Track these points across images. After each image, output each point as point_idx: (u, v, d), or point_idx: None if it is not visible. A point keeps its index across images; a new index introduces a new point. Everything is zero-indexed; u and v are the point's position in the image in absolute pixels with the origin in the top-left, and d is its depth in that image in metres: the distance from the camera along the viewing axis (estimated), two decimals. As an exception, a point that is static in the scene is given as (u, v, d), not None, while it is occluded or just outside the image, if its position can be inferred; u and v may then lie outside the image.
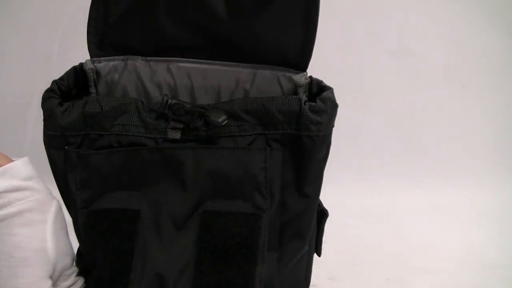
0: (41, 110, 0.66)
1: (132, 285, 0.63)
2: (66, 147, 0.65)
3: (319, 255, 0.76)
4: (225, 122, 0.63)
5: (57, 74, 0.67)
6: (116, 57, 0.71)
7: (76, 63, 0.70)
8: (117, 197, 0.65)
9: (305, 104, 0.63)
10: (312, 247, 0.74)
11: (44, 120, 0.65)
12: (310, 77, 0.70)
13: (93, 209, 0.66)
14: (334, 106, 0.64)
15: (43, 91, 0.64)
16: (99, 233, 0.65)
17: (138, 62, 0.72)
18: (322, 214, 0.73)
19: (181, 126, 0.64)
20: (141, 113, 0.64)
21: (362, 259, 1.02)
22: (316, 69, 0.70)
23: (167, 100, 0.63)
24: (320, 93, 0.65)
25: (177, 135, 0.64)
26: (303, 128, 0.63)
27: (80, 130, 0.64)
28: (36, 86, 0.65)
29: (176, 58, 0.71)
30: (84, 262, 0.68)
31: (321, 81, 0.68)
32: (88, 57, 0.72)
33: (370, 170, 1.36)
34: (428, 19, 1.28)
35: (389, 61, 1.30)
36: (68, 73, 0.70)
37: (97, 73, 0.71)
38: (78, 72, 0.71)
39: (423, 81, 1.33)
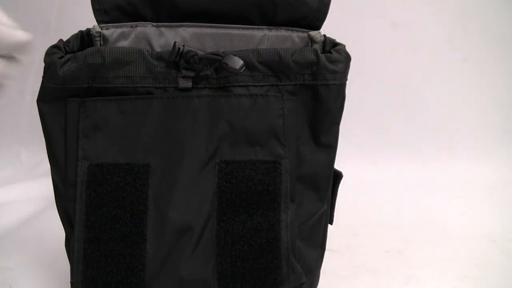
0: (39, 79, 0.66)
1: (149, 243, 0.65)
2: (68, 98, 0.66)
3: (330, 222, 0.77)
4: (243, 69, 0.65)
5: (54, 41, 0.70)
6: (124, 23, 0.75)
7: (75, 28, 0.74)
8: (124, 150, 0.66)
9: (321, 54, 0.67)
10: (328, 210, 0.74)
11: (44, 72, 0.66)
12: (324, 35, 0.75)
13: (96, 163, 0.66)
14: (348, 57, 0.68)
15: (41, 59, 0.66)
16: (105, 193, 0.65)
17: (148, 28, 0.76)
18: (336, 176, 0.74)
19: (193, 74, 0.66)
20: (148, 62, 0.66)
21: (361, 231, 1.06)
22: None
23: (179, 48, 0.65)
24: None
25: (188, 84, 0.66)
26: (319, 77, 0.66)
27: (81, 83, 0.65)
28: (34, 55, 0.67)
29: (187, 23, 0.76)
30: (83, 231, 0.66)
31: (334, 39, 0.73)
32: (89, 24, 0.75)
33: (370, 143, 1.40)
34: None
35: (389, 33, 1.36)
36: (74, 36, 0.72)
37: (104, 39, 0.74)
38: (84, 36, 0.74)
39: (424, 54, 1.38)
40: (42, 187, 1.13)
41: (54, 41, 0.69)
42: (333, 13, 0.75)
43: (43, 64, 0.65)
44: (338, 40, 0.72)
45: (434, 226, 1.10)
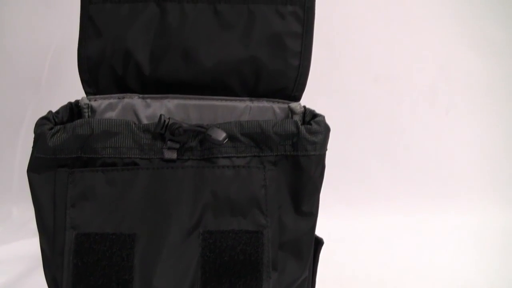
0: (30, 136, 0.71)
1: None
2: (58, 168, 0.71)
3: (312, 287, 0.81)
4: (226, 140, 0.70)
5: (46, 100, 0.75)
6: (112, 95, 0.80)
7: (65, 90, 0.79)
8: (111, 219, 0.70)
9: (301, 126, 0.72)
10: (310, 276, 0.78)
11: (34, 143, 0.71)
12: (304, 106, 0.80)
13: (83, 232, 0.70)
14: (327, 129, 0.73)
15: (32, 117, 0.71)
16: (91, 263, 0.69)
17: (135, 100, 0.81)
18: (317, 242, 0.78)
19: (178, 146, 0.71)
20: (135, 134, 0.71)
21: (347, 285, 1.09)
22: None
23: (164, 120, 0.70)
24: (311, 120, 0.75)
25: (173, 155, 0.71)
26: (300, 148, 0.71)
27: (71, 153, 0.70)
28: (26, 112, 0.72)
29: (172, 95, 0.81)
30: None
31: (313, 110, 0.78)
32: (77, 83, 0.80)
33: (356, 195, 1.43)
34: (410, 43, 1.40)
35: (373, 86, 1.41)
36: (63, 108, 0.77)
37: (92, 110, 0.80)
38: (73, 108, 0.79)
39: (407, 106, 1.43)
40: (33, 246, 1.16)
41: (45, 97, 0.74)
42: (317, 68, 0.81)
43: (33, 123, 0.70)
44: (321, 93, 0.78)
45: (420, 277, 1.14)
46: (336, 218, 1.09)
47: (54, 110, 0.77)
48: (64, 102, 0.80)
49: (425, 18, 1.39)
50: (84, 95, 0.82)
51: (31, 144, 0.71)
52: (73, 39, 0.81)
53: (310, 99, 0.83)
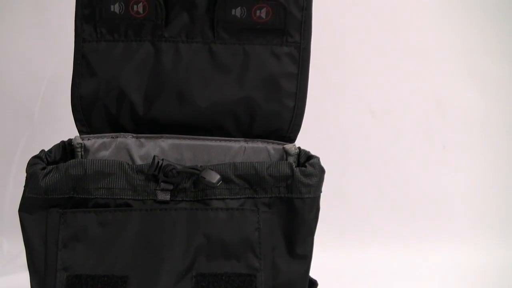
0: (22, 168, 0.73)
1: None
2: (49, 208, 0.72)
3: None
4: (220, 183, 0.72)
5: (39, 132, 0.75)
6: (105, 134, 0.82)
7: (58, 123, 0.81)
8: (103, 261, 0.71)
9: (296, 168, 0.74)
10: None
11: (26, 182, 0.72)
12: (299, 147, 0.81)
13: (75, 274, 0.71)
14: (322, 171, 0.75)
15: (24, 149, 0.72)
16: None
17: (129, 139, 0.82)
18: (311, 284, 0.79)
19: (171, 187, 0.72)
20: (128, 175, 0.72)
21: None
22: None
23: (158, 162, 0.72)
24: (306, 162, 0.76)
25: (167, 196, 0.72)
26: (294, 190, 0.73)
27: (63, 193, 0.71)
28: (18, 144, 0.73)
29: (166, 135, 0.82)
30: None
31: (308, 152, 0.80)
32: (70, 117, 0.82)
33: (353, 232, 1.43)
34: (407, 77, 1.41)
35: (369, 121, 1.41)
36: (56, 147, 0.79)
37: (85, 149, 0.81)
38: (66, 146, 0.81)
39: (404, 142, 1.43)
40: (23, 280, 1.16)
41: (37, 132, 0.75)
42: (312, 103, 0.83)
43: (26, 155, 0.71)
44: (316, 129, 0.79)
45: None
46: (330, 255, 1.09)
47: (47, 144, 0.79)
48: (57, 136, 0.82)
49: (422, 52, 1.41)
50: (76, 129, 0.83)
51: (23, 176, 0.73)
52: (67, 72, 0.83)
53: (305, 130, 0.85)
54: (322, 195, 0.77)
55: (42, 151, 0.76)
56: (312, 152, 0.80)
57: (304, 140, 0.85)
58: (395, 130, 1.44)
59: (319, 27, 0.87)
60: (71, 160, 0.72)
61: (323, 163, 0.77)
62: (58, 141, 0.81)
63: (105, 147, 0.82)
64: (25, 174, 0.73)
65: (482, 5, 1.38)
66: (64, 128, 0.87)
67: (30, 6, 1.31)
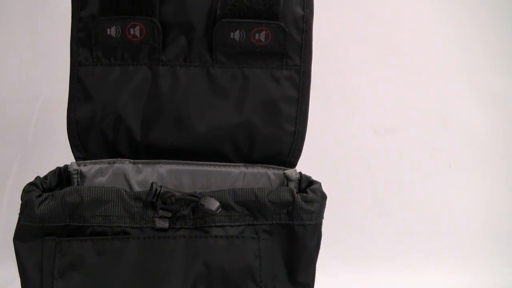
0: (15, 193, 0.74)
1: None
2: (45, 236, 0.72)
3: None
4: (219, 210, 0.72)
5: (33, 155, 0.76)
6: (102, 160, 0.82)
7: (53, 146, 0.81)
8: None
9: (297, 194, 0.74)
10: None
11: (21, 210, 0.73)
12: (300, 173, 0.82)
13: None
14: (324, 197, 0.76)
15: (18, 173, 0.73)
16: None
17: (126, 165, 0.83)
18: None
19: (170, 214, 0.73)
20: (126, 202, 0.73)
21: None
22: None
23: (156, 189, 0.73)
24: (308, 187, 0.77)
25: (165, 224, 0.72)
26: (295, 217, 0.73)
27: (59, 221, 0.72)
28: (11, 168, 0.74)
29: (164, 160, 0.83)
30: None
31: (310, 177, 0.80)
32: (65, 140, 0.82)
33: (356, 257, 1.42)
34: (411, 95, 1.41)
35: (372, 139, 1.42)
36: (51, 173, 0.79)
37: (82, 175, 0.81)
38: (61, 173, 0.81)
39: (408, 160, 1.43)
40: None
41: (31, 155, 0.75)
42: (314, 123, 0.84)
43: (18, 180, 0.72)
44: (318, 148, 0.79)
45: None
46: (334, 278, 1.09)
47: (41, 168, 0.79)
48: (52, 160, 0.82)
49: (426, 69, 1.41)
50: (71, 152, 0.83)
51: (16, 201, 0.73)
52: (62, 94, 0.84)
53: (306, 153, 0.85)
54: (324, 220, 0.77)
55: (38, 177, 0.77)
56: (313, 175, 0.81)
57: (305, 163, 0.85)
58: (399, 149, 1.44)
59: (320, 48, 0.88)
60: (68, 188, 0.73)
61: (324, 187, 0.77)
62: (52, 166, 0.82)
63: (102, 173, 0.82)
64: (18, 200, 0.73)
65: (487, 21, 1.38)
66: (58, 151, 0.88)
67: (24, 26, 1.31)
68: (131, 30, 0.80)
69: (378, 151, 1.44)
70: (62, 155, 0.87)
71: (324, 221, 0.78)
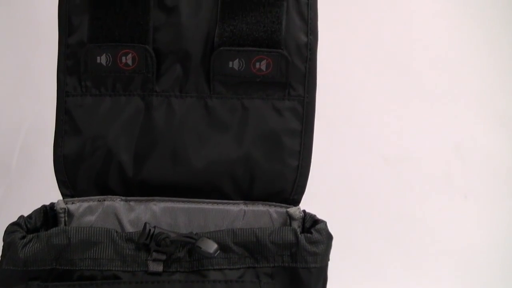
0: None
1: None
2: (29, 281, 0.70)
3: None
4: (217, 253, 0.70)
5: (16, 185, 0.75)
6: (91, 197, 0.81)
7: (38, 175, 0.80)
8: None
9: (300, 235, 0.73)
10: None
11: (3, 253, 0.71)
12: (304, 211, 0.81)
13: None
14: (330, 237, 0.74)
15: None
16: None
17: (117, 203, 0.81)
18: None
19: (164, 257, 0.71)
20: (117, 244, 0.71)
21: None
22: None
23: (150, 229, 0.71)
24: (312, 227, 0.76)
25: (159, 267, 0.71)
26: (299, 259, 0.72)
27: (44, 265, 0.70)
28: None
29: (158, 197, 0.81)
30: None
31: (314, 215, 0.79)
32: (50, 172, 0.81)
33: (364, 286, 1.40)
34: (423, 121, 1.39)
35: (382, 168, 1.40)
36: (36, 212, 0.78)
37: (69, 214, 0.80)
38: (47, 211, 0.80)
39: (420, 191, 1.41)
40: None
41: (13, 188, 0.75)
42: (319, 154, 0.83)
43: (1, 209, 0.71)
44: (326, 176, 0.79)
45: None
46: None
47: (24, 201, 0.78)
48: (37, 194, 0.81)
49: (438, 93, 1.41)
50: (57, 184, 0.82)
51: (-2, 239, 0.72)
52: (48, 122, 0.82)
53: (310, 187, 0.84)
54: (330, 261, 0.76)
55: (21, 217, 0.75)
56: (318, 212, 0.80)
57: (309, 199, 0.84)
58: (411, 179, 1.42)
59: (324, 74, 0.87)
60: (54, 228, 0.71)
61: (330, 225, 0.76)
62: (37, 201, 0.80)
63: (91, 211, 0.81)
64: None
65: (504, 43, 1.38)
66: (44, 185, 0.87)
67: (7, 48, 1.31)
68: (123, 58, 0.79)
69: (388, 182, 1.42)
70: (48, 188, 0.85)
71: (330, 263, 0.76)
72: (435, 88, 1.40)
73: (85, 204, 0.81)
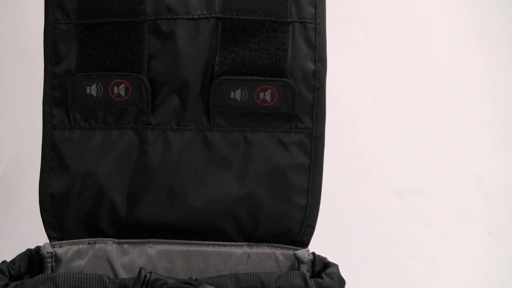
0: None
1: None
2: None
3: None
4: None
5: None
6: (81, 240, 0.80)
7: (20, 210, 0.80)
8: None
9: (310, 280, 0.72)
10: None
11: None
12: (313, 253, 0.79)
13: None
14: (342, 282, 0.73)
15: None
16: None
17: (109, 245, 0.80)
18: None
19: (161, 303, 0.70)
20: None
21: None
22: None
23: (145, 275, 0.70)
24: (323, 271, 0.75)
25: (155, 317, 0.71)
26: None
27: None
28: None
29: (154, 240, 0.80)
30: None
31: (325, 258, 0.78)
32: (35, 211, 0.80)
33: None
34: (439, 152, 1.38)
35: (395, 202, 1.38)
36: (20, 257, 0.76)
37: (57, 258, 0.78)
38: (33, 256, 0.78)
39: (438, 225, 1.39)
40: None
41: None
42: (331, 182, 0.82)
43: None
44: (334, 224, 0.78)
45: None
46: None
47: (6, 246, 0.77)
48: (19, 230, 0.80)
49: (454, 121, 1.41)
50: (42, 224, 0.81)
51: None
52: (33, 152, 0.82)
53: (319, 226, 0.83)
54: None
55: (4, 262, 0.74)
56: (329, 254, 0.79)
57: (319, 240, 0.83)
58: (427, 215, 1.42)
59: (334, 105, 0.87)
60: (40, 275, 0.70)
61: (342, 268, 0.75)
62: (20, 244, 0.79)
63: (81, 255, 0.80)
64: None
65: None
66: (28, 222, 0.86)
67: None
68: (115, 88, 0.79)
69: (401, 217, 1.42)
70: (33, 229, 0.84)
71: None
72: (451, 116, 1.40)
73: (74, 248, 0.80)
